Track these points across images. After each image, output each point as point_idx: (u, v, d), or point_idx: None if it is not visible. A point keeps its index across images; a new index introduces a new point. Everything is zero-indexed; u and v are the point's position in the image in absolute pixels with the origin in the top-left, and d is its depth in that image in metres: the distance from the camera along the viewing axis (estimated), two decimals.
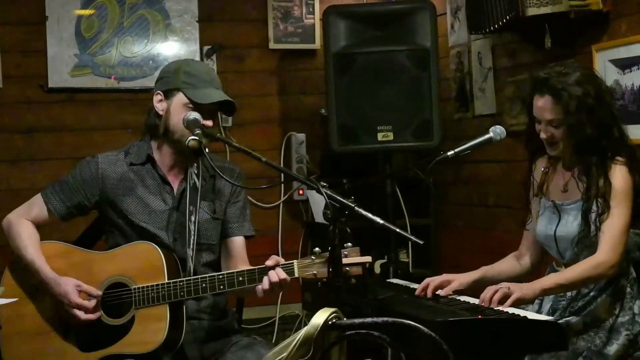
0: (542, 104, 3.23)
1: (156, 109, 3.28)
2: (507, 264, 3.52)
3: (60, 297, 3.16)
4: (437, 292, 3.27)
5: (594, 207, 3.20)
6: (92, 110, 5.42)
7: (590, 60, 4.16)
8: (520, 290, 3.07)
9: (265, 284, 3.01)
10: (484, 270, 3.43)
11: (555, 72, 3.22)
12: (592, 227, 3.20)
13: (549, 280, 3.20)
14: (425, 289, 3.27)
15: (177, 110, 3.22)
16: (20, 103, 5.29)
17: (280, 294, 5.46)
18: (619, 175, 3.19)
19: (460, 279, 3.31)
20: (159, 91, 3.29)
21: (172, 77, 3.28)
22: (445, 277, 3.31)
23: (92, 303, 3.14)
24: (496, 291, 3.05)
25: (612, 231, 3.15)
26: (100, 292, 3.16)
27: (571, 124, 3.18)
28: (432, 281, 3.29)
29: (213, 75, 3.34)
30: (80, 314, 3.14)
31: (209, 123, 3.20)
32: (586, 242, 3.23)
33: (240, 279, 3.05)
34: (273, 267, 3.02)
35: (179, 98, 3.23)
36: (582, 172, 3.27)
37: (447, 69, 5.40)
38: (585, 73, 3.25)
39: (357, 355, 2.11)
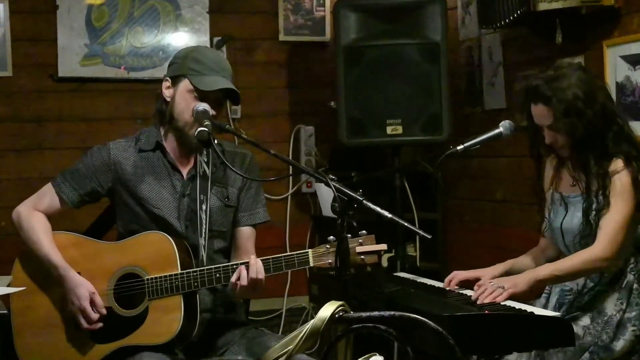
0: (538, 112, 3.28)
1: (164, 95, 3.29)
2: (532, 257, 3.54)
3: (72, 296, 3.15)
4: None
5: (595, 205, 3.22)
6: (101, 100, 5.43)
7: (601, 56, 4.14)
8: (513, 284, 3.09)
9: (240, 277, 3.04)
10: (510, 263, 3.44)
11: (545, 78, 3.26)
12: (593, 225, 3.21)
13: (544, 270, 3.21)
14: (450, 282, 3.29)
15: (182, 97, 3.23)
16: (30, 92, 5.30)
17: (287, 287, 5.48)
18: (619, 171, 3.20)
19: (489, 273, 3.31)
20: (167, 77, 3.29)
21: (180, 64, 3.27)
22: (472, 272, 3.32)
23: (96, 316, 3.14)
24: (492, 290, 3.08)
25: (610, 224, 3.17)
26: (105, 312, 3.14)
27: (562, 128, 3.21)
28: (459, 275, 3.30)
29: (222, 63, 3.31)
30: (83, 322, 3.14)
31: (213, 112, 3.19)
32: (590, 238, 3.23)
33: None
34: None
35: (184, 84, 3.23)
36: (581, 170, 3.28)
37: (457, 63, 5.39)
38: (577, 74, 3.26)
39: (363, 349, 2.11)
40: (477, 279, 3.28)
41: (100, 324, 3.14)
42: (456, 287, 3.32)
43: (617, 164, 3.21)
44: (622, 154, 3.22)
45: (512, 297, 3.10)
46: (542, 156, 3.47)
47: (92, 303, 3.14)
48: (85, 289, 3.14)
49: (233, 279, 3.05)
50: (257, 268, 3.03)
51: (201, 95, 3.19)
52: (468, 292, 3.21)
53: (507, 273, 3.38)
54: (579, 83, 3.22)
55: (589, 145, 3.23)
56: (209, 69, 3.22)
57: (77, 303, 3.14)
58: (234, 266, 3.08)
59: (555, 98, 3.20)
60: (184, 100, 3.22)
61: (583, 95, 3.20)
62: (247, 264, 3.04)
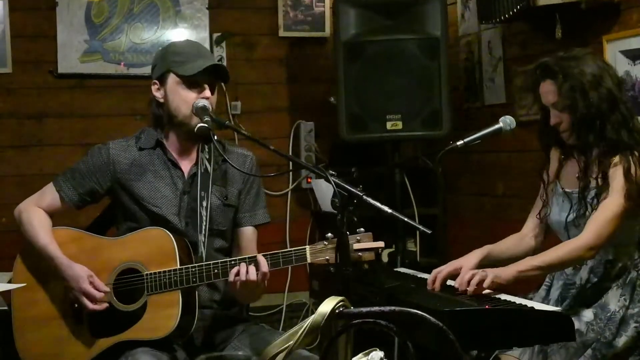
0: (544, 89, 3.31)
1: (156, 99, 3.29)
2: (510, 243, 3.53)
3: (70, 282, 3.16)
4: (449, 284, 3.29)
5: (591, 185, 3.24)
6: (101, 97, 5.43)
7: (601, 50, 4.14)
8: (495, 272, 3.10)
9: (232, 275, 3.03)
10: (488, 249, 3.42)
11: (555, 57, 3.31)
12: (589, 206, 3.23)
13: (525, 263, 3.20)
14: (433, 284, 3.28)
15: (172, 92, 3.23)
16: (30, 88, 5.30)
17: (288, 282, 5.48)
18: (619, 162, 3.21)
19: (468, 265, 3.30)
20: (154, 80, 3.29)
21: (161, 62, 3.29)
22: (451, 266, 3.31)
23: (99, 294, 3.14)
24: (473, 275, 3.07)
25: (601, 215, 3.18)
26: (108, 289, 3.15)
27: (564, 105, 3.25)
28: (440, 272, 3.29)
29: (200, 48, 3.35)
30: (87, 303, 3.14)
31: (207, 94, 3.19)
32: (584, 219, 3.24)
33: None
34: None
35: (172, 79, 3.23)
36: (581, 152, 3.29)
37: (457, 58, 5.39)
38: (588, 57, 3.29)
39: (363, 344, 2.11)
40: (458, 272, 3.27)
41: (105, 304, 3.15)
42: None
43: (620, 155, 3.22)
44: (620, 143, 3.22)
45: (495, 287, 3.10)
46: (549, 143, 3.47)
47: (92, 284, 3.14)
48: (83, 272, 3.15)
49: (231, 277, 3.04)
50: (262, 263, 3.02)
51: (189, 81, 3.20)
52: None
53: (485, 259, 3.37)
54: (588, 65, 3.24)
55: (589, 128, 3.24)
56: (189, 55, 3.23)
57: (77, 286, 3.14)
58: (232, 262, 3.07)
59: (561, 74, 3.23)
60: (175, 94, 3.22)
61: (590, 76, 3.21)
62: (248, 260, 3.04)
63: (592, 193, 3.25)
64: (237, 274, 3.01)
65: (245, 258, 3.05)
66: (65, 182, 3.32)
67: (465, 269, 3.23)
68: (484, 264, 3.31)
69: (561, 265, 3.25)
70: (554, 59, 3.29)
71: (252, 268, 3.01)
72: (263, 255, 3.05)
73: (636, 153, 3.22)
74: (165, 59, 3.27)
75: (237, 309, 3.40)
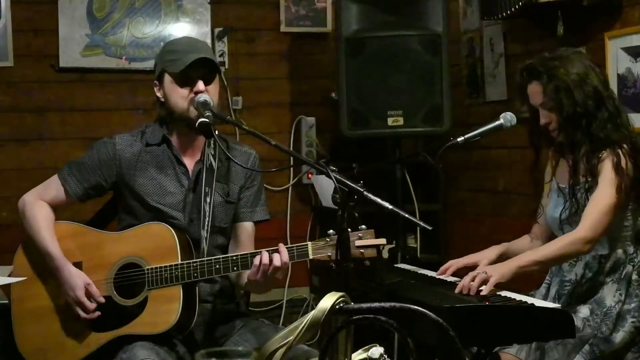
0: (531, 90, 3.35)
1: (159, 99, 3.29)
2: (525, 242, 3.56)
3: (67, 288, 3.16)
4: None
5: (581, 184, 3.26)
6: (102, 91, 5.43)
7: (603, 47, 4.14)
8: (498, 272, 3.10)
9: (256, 261, 3.01)
10: (505, 247, 3.45)
11: (539, 58, 3.34)
12: (580, 203, 3.24)
13: (525, 258, 3.22)
14: (445, 270, 3.29)
15: (169, 91, 3.23)
16: (31, 82, 5.30)
17: (288, 278, 5.48)
18: (604, 158, 3.21)
19: (485, 261, 3.31)
20: (155, 81, 3.30)
21: (158, 62, 3.30)
22: (469, 259, 3.32)
23: (92, 305, 3.14)
24: (474, 277, 3.07)
25: (594, 209, 3.20)
26: (103, 300, 3.15)
27: (550, 105, 3.28)
28: (456, 263, 3.30)
29: (194, 43, 3.34)
30: (80, 312, 3.14)
31: (200, 87, 3.18)
32: (577, 217, 3.26)
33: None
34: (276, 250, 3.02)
35: (166, 78, 3.23)
36: (570, 150, 3.30)
37: (458, 54, 5.38)
38: (573, 57, 3.32)
39: (363, 340, 2.11)
40: (475, 265, 3.28)
41: (98, 313, 3.15)
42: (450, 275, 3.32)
43: (609, 149, 3.23)
44: (607, 139, 3.23)
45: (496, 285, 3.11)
46: (541, 146, 3.49)
47: (88, 294, 3.14)
48: (80, 280, 3.15)
49: (256, 262, 3.00)
50: (283, 252, 3.02)
51: (181, 77, 3.20)
52: None
53: (503, 255, 3.39)
54: (572, 64, 3.28)
55: (576, 126, 3.27)
56: (182, 52, 3.22)
57: (72, 294, 3.14)
58: (234, 257, 3.08)
59: (546, 75, 3.27)
60: (172, 92, 3.22)
61: (575, 76, 3.25)
62: (271, 251, 3.02)
63: (582, 190, 3.27)
64: (261, 262, 3.00)
65: (268, 250, 3.03)
66: (71, 176, 3.32)
67: (482, 266, 3.24)
68: (501, 260, 3.32)
69: (559, 259, 3.27)
70: (539, 60, 3.33)
71: (276, 255, 3.00)
72: (266, 250, 3.05)
73: (625, 146, 3.24)
74: (161, 58, 3.29)
75: (236, 304, 3.40)
